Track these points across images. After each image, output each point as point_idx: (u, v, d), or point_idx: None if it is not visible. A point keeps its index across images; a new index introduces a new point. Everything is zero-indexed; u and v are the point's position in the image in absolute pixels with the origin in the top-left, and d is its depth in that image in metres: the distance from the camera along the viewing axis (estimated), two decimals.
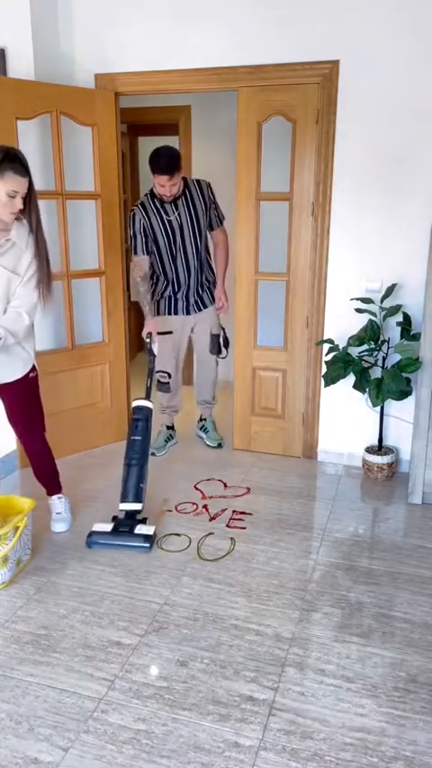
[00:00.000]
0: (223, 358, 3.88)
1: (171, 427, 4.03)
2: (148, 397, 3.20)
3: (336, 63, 3.25)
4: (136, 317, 6.21)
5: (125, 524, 2.88)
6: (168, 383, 3.77)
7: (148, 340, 3.49)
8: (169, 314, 3.69)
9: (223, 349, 3.83)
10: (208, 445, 3.98)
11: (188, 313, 3.71)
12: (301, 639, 2.26)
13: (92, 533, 2.85)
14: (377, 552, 2.83)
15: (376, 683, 2.06)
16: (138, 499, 2.93)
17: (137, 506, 2.93)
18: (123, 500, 2.94)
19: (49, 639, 2.25)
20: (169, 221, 3.49)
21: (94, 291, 3.83)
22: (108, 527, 2.88)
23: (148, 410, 3.12)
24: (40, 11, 3.41)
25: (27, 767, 1.75)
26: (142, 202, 3.52)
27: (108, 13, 3.52)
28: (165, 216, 3.48)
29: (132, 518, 2.92)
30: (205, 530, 3.00)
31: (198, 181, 3.58)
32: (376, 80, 3.22)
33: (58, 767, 1.75)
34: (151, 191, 3.51)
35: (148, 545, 2.80)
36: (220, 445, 3.96)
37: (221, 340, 3.82)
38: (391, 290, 3.34)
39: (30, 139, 3.36)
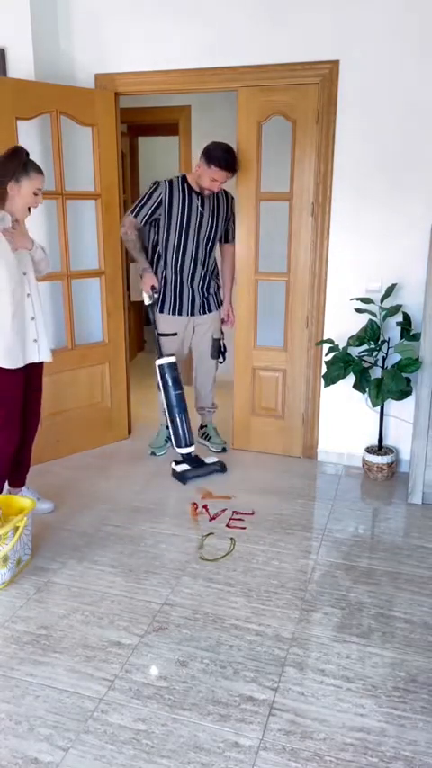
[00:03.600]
0: (221, 363, 3.88)
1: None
2: (162, 355, 3.59)
3: (336, 63, 3.25)
4: (136, 317, 6.24)
5: (195, 461, 3.60)
6: (175, 363, 3.74)
7: (156, 295, 3.58)
8: (173, 314, 3.65)
9: (220, 354, 3.84)
10: (212, 451, 3.94)
11: (192, 314, 3.68)
12: (301, 639, 2.26)
13: (183, 472, 3.49)
14: (377, 552, 2.83)
15: (376, 683, 2.06)
16: (191, 442, 3.60)
17: (192, 449, 3.61)
18: (180, 446, 3.58)
19: (49, 639, 2.25)
20: (190, 213, 3.47)
21: (94, 291, 3.83)
22: (186, 466, 3.54)
23: (174, 363, 3.56)
24: (40, 11, 3.41)
25: (27, 767, 1.75)
26: (171, 181, 3.48)
27: (108, 12, 3.52)
28: (189, 206, 3.47)
29: (190, 457, 3.59)
30: (205, 530, 3.00)
31: (226, 192, 3.62)
32: (376, 80, 3.22)
33: (58, 767, 1.75)
34: (184, 176, 3.50)
35: (222, 468, 3.61)
36: (224, 449, 3.94)
37: (221, 345, 3.83)
38: (391, 290, 3.34)
39: (30, 139, 3.35)
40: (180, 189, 3.46)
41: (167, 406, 3.57)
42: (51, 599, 2.48)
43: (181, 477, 3.48)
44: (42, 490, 3.32)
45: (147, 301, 3.62)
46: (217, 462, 3.61)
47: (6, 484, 3.05)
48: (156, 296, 3.57)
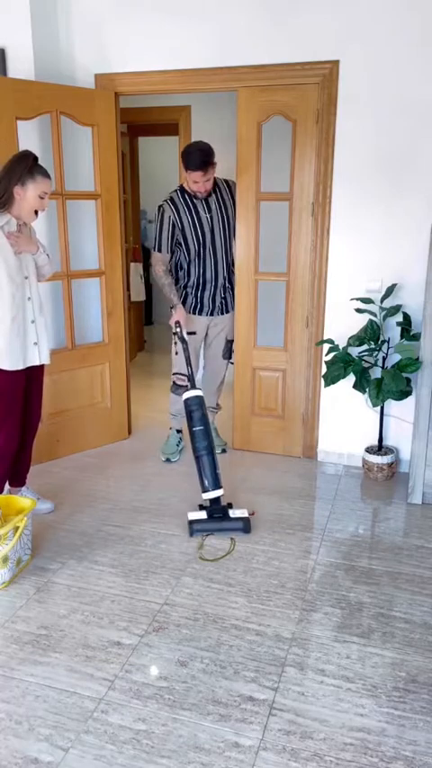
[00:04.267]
0: (232, 363, 3.87)
1: (180, 431, 3.96)
2: (194, 386, 3.28)
3: (336, 63, 3.25)
4: (136, 316, 6.24)
5: (218, 510, 2.99)
6: (187, 386, 3.67)
7: (178, 329, 3.49)
8: (194, 313, 3.65)
9: (231, 354, 3.84)
10: None
11: (212, 314, 3.68)
12: (301, 639, 2.26)
13: (192, 522, 2.95)
14: (377, 552, 2.83)
15: (376, 683, 2.06)
16: (218, 485, 3.02)
17: (219, 492, 3.02)
18: (206, 490, 3.02)
19: (49, 639, 2.25)
20: (200, 219, 3.48)
21: (95, 291, 3.83)
22: (203, 515, 2.99)
23: (201, 398, 3.18)
24: (39, 11, 3.41)
25: (27, 767, 1.75)
26: (172, 198, 3.49)
27: (108, 12, 3.52)
28: (195, 214, 3.47)
29: (218, 503, 3.02)
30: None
31: (227, 180, 3.61)
32: (376, 80, 3.22)
33: (58, 767, 1.75)
34: (181, 186, 3.51)
35: (245, 527, 2.94)
36: (224, 450, 3.93)
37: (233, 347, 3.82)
38: (391, 290, 3.34)
39: (30, 139, 3.35)
40: (182, 201, 3.48)
41: (192, 442, 3.13)
42: (51, 599, 2.48)
43: (189, 527, 2.95)
44: (42, 490, 3.32)
45: (180, 335, 3.51)
46: (243, 519, 2.96)
47: (6, 484, 3.05)
48: (179, 330, 3.47)
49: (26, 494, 3.11)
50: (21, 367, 2.77)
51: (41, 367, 2.93)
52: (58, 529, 3.01)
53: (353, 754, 1.79)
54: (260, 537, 2.94)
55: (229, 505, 3.07)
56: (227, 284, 3.68)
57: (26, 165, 2.62)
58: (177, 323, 3.49)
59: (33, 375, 2.90)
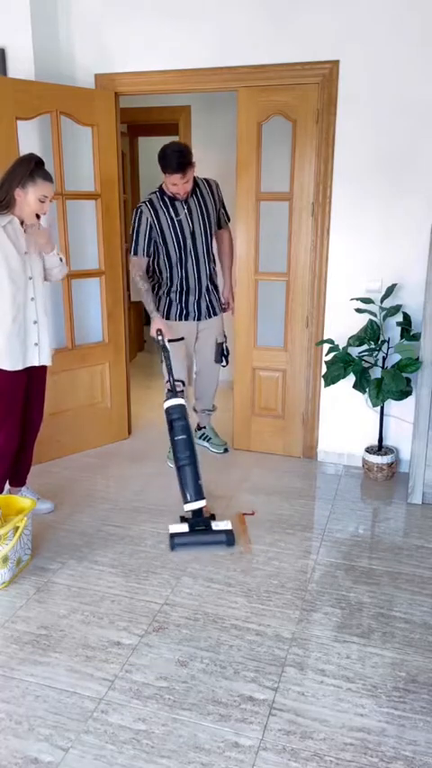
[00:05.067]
0: (224, 366, 3.85)
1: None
2: (175, 395, 3.16)
3: (336, 63, 3.25)
4: (136, 316, 6.24)
5: (200, 523, 2.90)
6: (183, 391, 3.64)
7: (160, 338, 3.38)
8: (180, 320, 3.58)
9: (223, 358, 3.79)
10: (213, 452, 3.92)
11: (199, 319, 3.62)
12: (301, 639, 2.26)
13: (173, 536, 2.84)
14: (377, 552, 2.83)
15: (376, 683, 2.06)
16: (201, 496, 2.94)
17: (202, 503, 2.94)
18: (187, 501, 2.93)
19: (49, 639, 2.25)
20: (179, 221, 3.38)
21: (94, 291, 3.83)
22: (184, 527, 2.89)
23: (183, 407, 3.10)
24: (39, 11, 3.41)
25: (27, 767, 1.75)
26: (150, 200, 3.39)
27: (108, 13, 3.52)
28: (175, 215, 3.38)
29: (201, 515, 2.93)
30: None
31: (207, 180, 3.51)
32: (376, 80, 3.22)
33: (58, 767, 1.75)
34: (160, 188, 3.40)
35: (229, 540, 2.84)
36: (226, 450, 3.92)
37: (224, 349, 3.78)
38: (391, 290, 3.34)
39: (30, 139, 3.36)
40: (161, 203, 3.37)
41: (173, 452, 3.08)
42: (51, 599, 2.48)
43: (170, 541, 2.84)
44: (42, 490, 3.32)
45: (162, 343, 3.44)
46: (226, 531, 2.87)
47: (6, 484, 3.05)
48: (161, 338, 3.38)
49: (26, 494, 3.11)
50: (20, 367, 2.77)
51: (44, 367, 2.93)
52: (58, 529, 3.01)
53: (353, 754, 1.79)
54: (260, 537, 2.94)
55: (212, 517, 3.00)
56: (210, 287, 3.61)
57: (28, 168, 2.63)
58: (159, 331, 3.38)
59: (35, 375, 2.90)
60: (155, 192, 3.43)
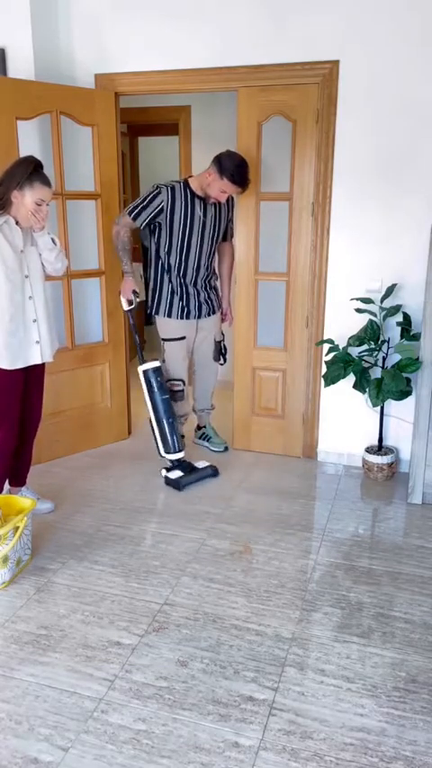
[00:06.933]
0: (222, 364, 3.86)
1: (182, 436, 3.86)
2: (144, 361, 3.53)
3: (336, 63, 3.25)
4: (136, 316, 6.23)
5: (188, 466, 3.52)
6: (183, 390, 3.69)
7: (133, 298, 3.52)
8: (181, 318, 3.58)
9: (221, 356, 3.81)
10: (214, 451, 3.92)
11: (199, 317, 3.63)
12: (301, 639, 2.26)
13: (176, 480, 3.40)
14: (377, 552, 2.83)
15: (376, 683, 2.06)
16: (181, 448, 3.51)
17: (182, 454, 3.51)
18: (170, 452, 3.47)
19: (49, 639, 2.25)
20: (193, 217, 3.39)
21: (94, 291, 3.83)
22: (179, 473, 3.46)
23: (156, 368, 3.47)
24: (39, 11, 3.41)
25: (27, 767, 1.75)
26: (173, 187, 3.36)
27: (108, 13, 3.52)
28: (191, 212, 3.39)
29: (180, 462, 3.51)
30: (205, 529, 3.00)
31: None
32: (376, 80, 3.22)
33: (58, 767, 1.75)
34: (186, 181, 3.41)
35: (214, 472, 3.55)
36: (226, 449, 3.93)
37: (222, 347, 3.80)
38: (391, 290, 3.34)
39: (30, 139, 3.36)
40: (182, 195, 3.36)
41: (154, 411, 3.48)
42: (51, 599, 2.48)
43: (176, 484, 3.40)
44: (42, 490, 3.32)
45: (125, 307, 3.57)
46: (209, 467, 3.55)
47: (6, 483, 3.05)
48: (137, 300, 3.51)
49: (26, 494, 3.11)
50: (19, 366, 2.77)
51: (42, 366, 2.93)
52: (58, 529, 3.01)
53: (353, 754, 1.79)
54: (260, 537, 2.95)
55: (186, 462, 3.54)
56: (209, 287, 3.63)
57: (26, 171, 2.62)
58: (135, 291, 3.52)
59: (33, 374, 2.90)
60: (179, 182, 3.41)
